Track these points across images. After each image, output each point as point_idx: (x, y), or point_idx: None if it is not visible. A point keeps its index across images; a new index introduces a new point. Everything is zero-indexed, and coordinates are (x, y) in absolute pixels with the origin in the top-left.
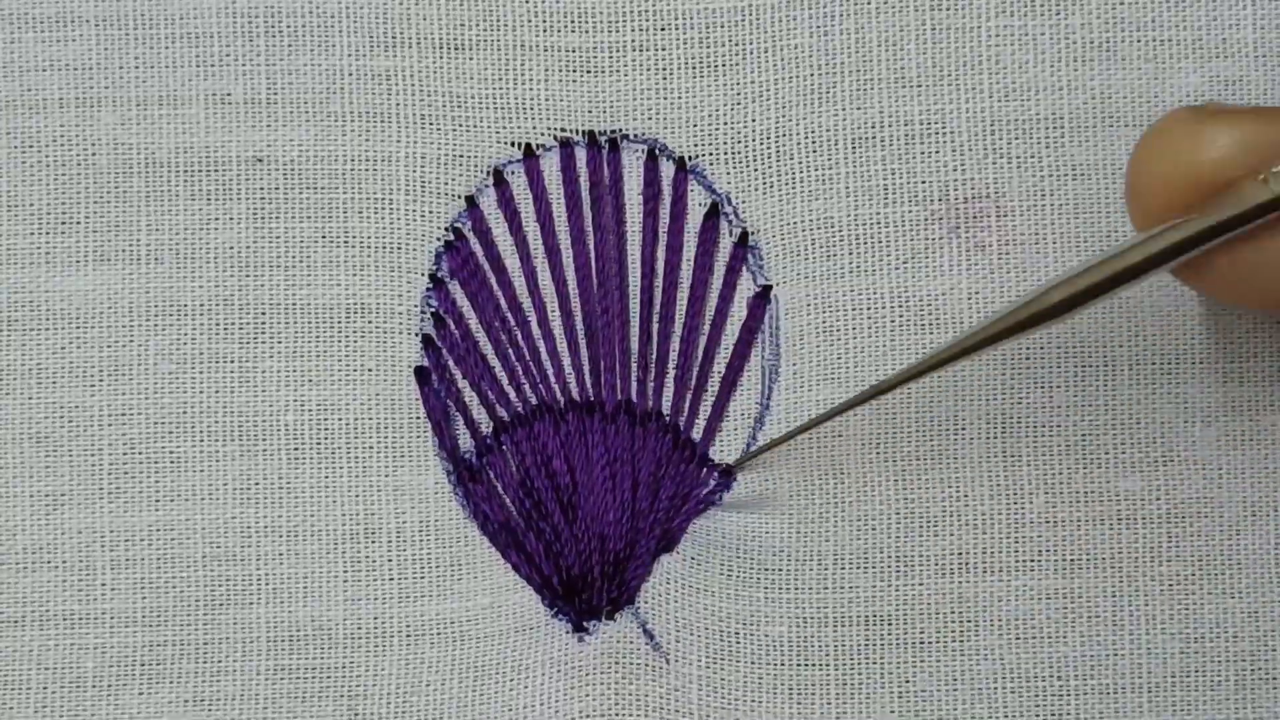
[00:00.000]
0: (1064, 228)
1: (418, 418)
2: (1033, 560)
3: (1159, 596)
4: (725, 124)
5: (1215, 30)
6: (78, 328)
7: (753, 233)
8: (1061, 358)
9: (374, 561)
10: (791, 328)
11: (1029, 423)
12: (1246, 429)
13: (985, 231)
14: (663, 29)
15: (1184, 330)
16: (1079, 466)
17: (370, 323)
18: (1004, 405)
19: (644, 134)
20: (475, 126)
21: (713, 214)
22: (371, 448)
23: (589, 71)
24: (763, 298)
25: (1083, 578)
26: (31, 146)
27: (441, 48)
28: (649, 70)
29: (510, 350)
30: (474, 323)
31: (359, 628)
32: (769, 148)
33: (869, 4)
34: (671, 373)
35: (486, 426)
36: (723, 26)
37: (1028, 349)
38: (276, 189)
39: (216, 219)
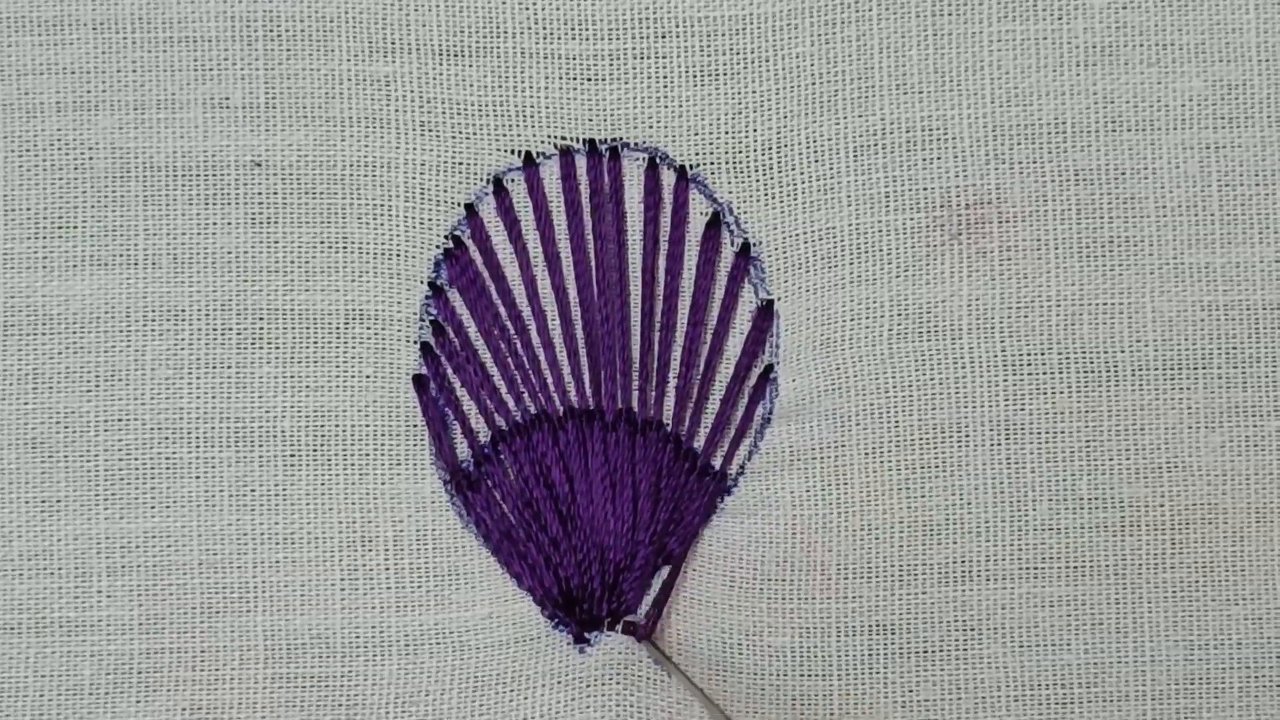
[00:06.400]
0: (1066, 233)
1: (415, 425)
2: (1036, 567)
3: (1163, 603)
4: (726, 133)
5: (1218, 34)
6: (75, 332)
7: (754, 243)
8: (1064, 364)
9: (371, 569)
10: (790, 343)
11: (1032, 430)
12: (1251, 434)
13: (987, 238)
14: (663, 37)
15: (1187, 336)
16: (1082, 473)
17: (368, 329)
18: (1007, 412)
19: (645, 142)
20: (475, 134)
21: (714, 223)
22: (369, 455)
23: (589, 79)
24: (766, 311)
25: (1086, 585)
26: (29, 150)
27: (441, 54)
28: (650, 78)
29: (509, 359)
30: (473, 331)
31: (356, 636)
32: (770, 157)
33: (870, 11)
34: (672, 382)
35: (484, 435)
36: (724, 35)
37: (1030, 356)
38: (275, 194)
39: (214, 224)
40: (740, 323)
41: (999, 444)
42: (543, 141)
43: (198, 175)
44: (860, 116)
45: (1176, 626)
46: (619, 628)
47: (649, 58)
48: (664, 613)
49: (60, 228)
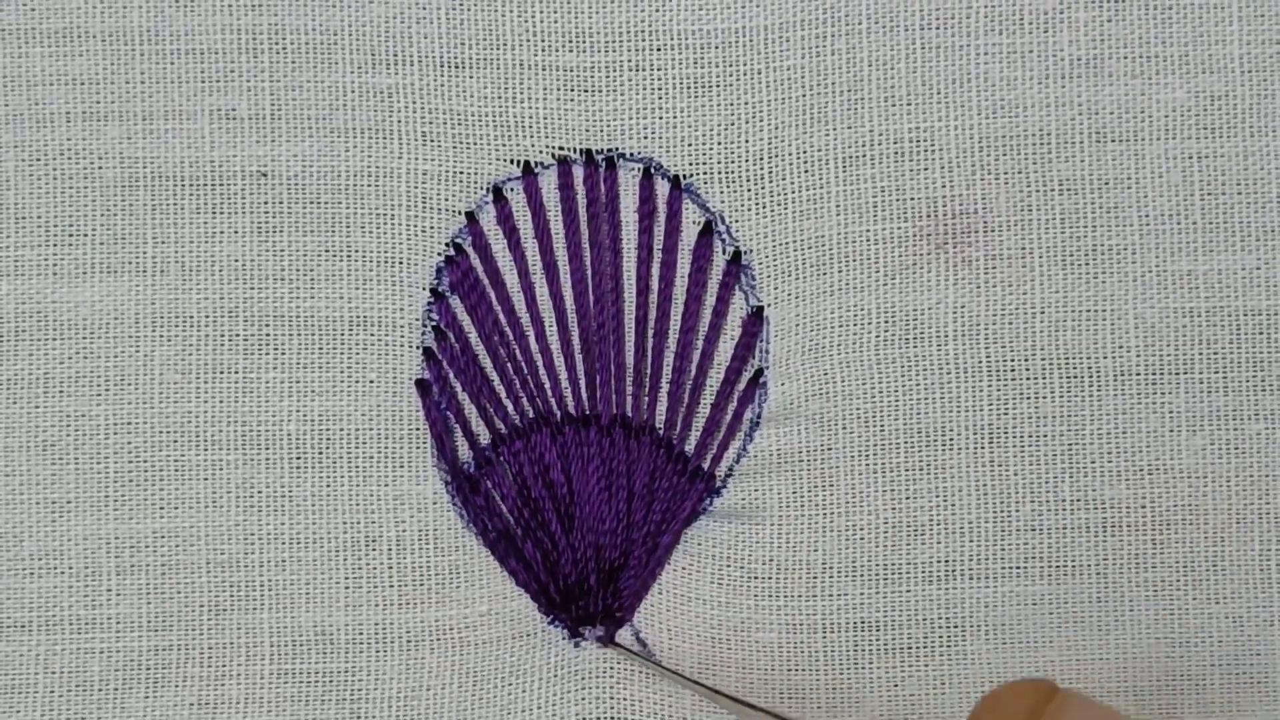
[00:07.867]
0: (1050, 242)
1: (417, 429)
2: (1019, 567)
3: (1144, 602)
4: (719, 143)
5: (1201, 46)
6: (84, 338)
7: (745, 252)
8: (1048, 370)
9: (375, 568)
10: (779, 349)
11: (1016, 433)
12: (1231, 437)
13: (972, 246)
14: (658, 50)
15: (1169, 341)
16: (1065, 475)
17: (372, 335)
18: (991, 416)
19: (640, 153)
20: (475, 144)
21: (706, 232)
22: (372, 457)
23: (586, 91)
24: (756, 318)
25: (1069, 584)
26: (39, 159)
27: (442, 66)
28: (645, 90)
29: (509, 364)
30: (474, 336)
31: (360, 633)
32: (761, 167)
33: (860, 24)
34: (665, 387)
35: (485, 438)
36: (717, 48)
37: (1014, 362)
38: (280, 203)
39: (221, 232)
40: (731, 328)
41: (983, 447)
42: (541, 151)
43: (204, 184)
44: (849, 128)
45: (1158, 624)
46: (593, 630)
47: (644, 70)
48: (635, 613)
49: (70, 235)
